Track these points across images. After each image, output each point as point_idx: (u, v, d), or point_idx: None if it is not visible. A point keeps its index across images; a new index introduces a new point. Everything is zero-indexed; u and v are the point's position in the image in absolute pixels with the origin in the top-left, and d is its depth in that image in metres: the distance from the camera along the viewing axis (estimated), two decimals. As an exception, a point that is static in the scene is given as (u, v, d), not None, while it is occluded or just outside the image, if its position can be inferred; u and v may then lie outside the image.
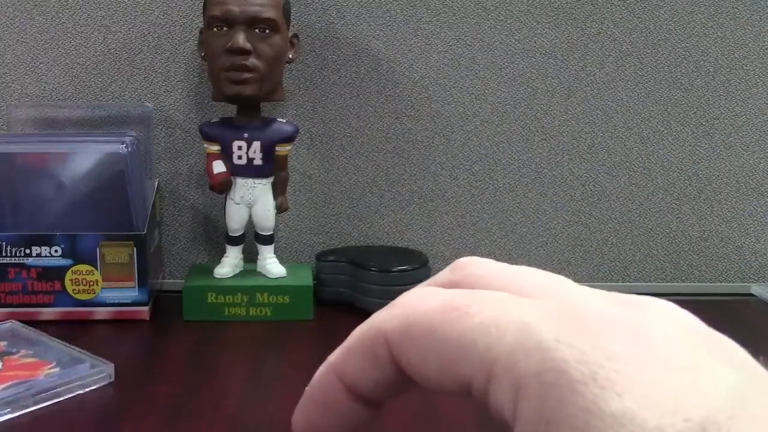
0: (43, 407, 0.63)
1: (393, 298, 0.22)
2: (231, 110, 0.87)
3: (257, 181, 0.87)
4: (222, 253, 0.90)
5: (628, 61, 0.95)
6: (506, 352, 0.18)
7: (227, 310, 0.85)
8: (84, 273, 0.83)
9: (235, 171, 0.86)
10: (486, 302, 0.19)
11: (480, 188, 0.97)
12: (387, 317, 0.21)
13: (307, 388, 0.23)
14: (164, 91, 0.93)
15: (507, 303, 0.19)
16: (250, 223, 0.89)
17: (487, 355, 0.18)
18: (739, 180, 0.99)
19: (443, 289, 0.21)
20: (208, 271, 0.88)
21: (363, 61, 0.94)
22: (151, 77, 0.93)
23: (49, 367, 0.69)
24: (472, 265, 0.22)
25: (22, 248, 0.82)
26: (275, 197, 0.88)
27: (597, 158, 0.97)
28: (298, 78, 0.94)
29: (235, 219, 0.88)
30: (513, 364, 0.17)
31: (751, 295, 0.98)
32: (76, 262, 0.83)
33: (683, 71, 0.96)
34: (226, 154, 0.86)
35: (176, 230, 0.97)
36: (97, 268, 0.83)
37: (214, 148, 0.86)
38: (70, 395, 0.65)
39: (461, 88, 0.95)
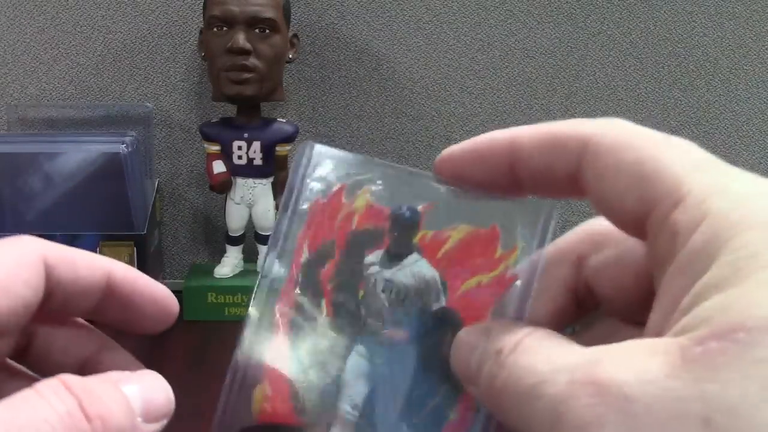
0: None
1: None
2: (231, 110, 0.87)
3: (257, 181, 0.87)
4: (222, 253, 0.90)
5: (628, 61, 0.95)
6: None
7: (227, 310, 0.85)
8: (84, 273, 0.82)
9: (235, 171, 0.86)
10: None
11: (480, 188, 0.97)
12: (595, 127, 0.21)
13: (479, 137, 0.23)
14: (164, 91, 0.93)
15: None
16: (250, 223, 0.89)
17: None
18: (739, 180, 0.99)
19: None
20: (209, 271, 0.88)
21: (363, 61, 0.94)
22: (151, 77, 0.93)
23: None
24: None
25: (22, 248, 0.82)
26: (275, 197, 0.88)
27: (597, 158, 0.97)
28: (298, 78, 0.94)
29: (235, 219, 0.88)
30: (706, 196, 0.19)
31: (751, 295, 0.98)
32: (76, 262, 0.82)
33: (683, 71, 0.96)
34: (226, 154, 0.86)
35: (176, 230, 0.97)
36: (97, 268, 0.82)
37: (214, 148, 0.86)
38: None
39: (461, 88, 0.95)
